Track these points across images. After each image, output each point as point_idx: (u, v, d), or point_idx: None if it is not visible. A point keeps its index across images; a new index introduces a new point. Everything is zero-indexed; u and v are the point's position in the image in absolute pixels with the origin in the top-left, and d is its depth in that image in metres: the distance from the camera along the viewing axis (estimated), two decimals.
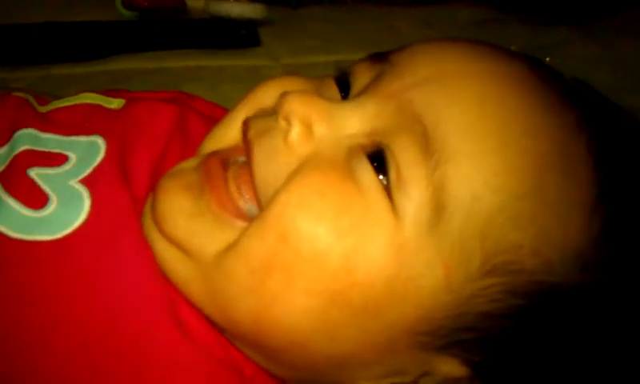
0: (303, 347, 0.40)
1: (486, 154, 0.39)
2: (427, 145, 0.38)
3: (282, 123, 0.41)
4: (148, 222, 0.43)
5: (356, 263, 0.38)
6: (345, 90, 0.44)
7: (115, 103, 0.52)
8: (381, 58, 0.44)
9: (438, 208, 0.38)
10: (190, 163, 0.44)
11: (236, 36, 0.94)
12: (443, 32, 0.93)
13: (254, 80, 0.49)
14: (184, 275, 0.42)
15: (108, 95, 0.52)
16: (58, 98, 0.52)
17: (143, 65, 0.87)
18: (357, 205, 0.39)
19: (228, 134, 0.45)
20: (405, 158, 0.39)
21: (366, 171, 0.39)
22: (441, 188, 0.38)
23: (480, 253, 0.38)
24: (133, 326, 0.41)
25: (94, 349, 0.41)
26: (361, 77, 0.44)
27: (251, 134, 0.42)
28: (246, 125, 0.43)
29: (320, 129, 0.41)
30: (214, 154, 0.44)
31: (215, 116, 0.52)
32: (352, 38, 0.95)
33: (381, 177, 0.39)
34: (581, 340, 0.41)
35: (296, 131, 0.40)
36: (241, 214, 0.42)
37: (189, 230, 0.41)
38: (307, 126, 0.41)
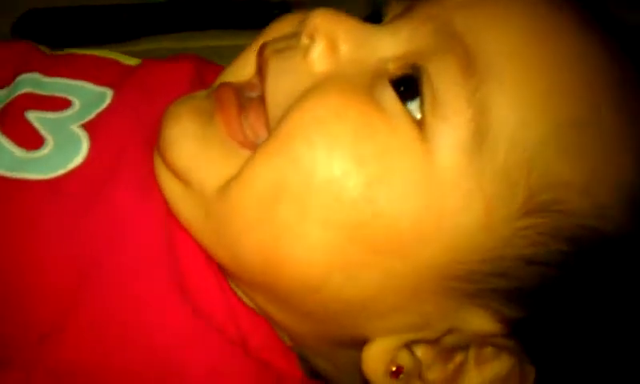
0: (317, 290, 0.36)
1: (535, 75, 0.35)
2: (468, 65, 0.35)
3: (305, 41, 0.38)
4: (156, 155, 0.40)
5: (379, 192, 0.35)
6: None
7: (133, 61, 0.49)
8: None
9: (480, 132, 0.34)
10: (203, 92, 0.41)
11: (269, 16, 0.92)
12: None
13: None
14: (188, 213, 0.39)
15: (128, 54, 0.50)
16: None
17: (171, 45, 0.86)
18: (380, 130, 0.35)
19: (243, 68, 0.42)
20: (442, 78, 0.35)
21: (390, 96, 0.36)
22: (483, 110, 0.34)
23: (524, 187, 0.34)
24: (125, 279, 0.38)
25: (76, 298, 0.38)
26: (395, 8, 0.40)
27: (267, 51, 0.38)
28: (263, 46, 0.39)
29: (346, 48, 0.37)
30: (228, 84, 0.41)
31: None
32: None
33: (412, 103, 0.35)
34: (634, 300, 0.36)
35: (319, 48, 0.37)
36: (250, 144, 0.38)
37: (193, 157, 0.38)
38: (332, 44, 0.37)
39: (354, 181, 0.35)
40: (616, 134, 0.36)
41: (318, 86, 0.36)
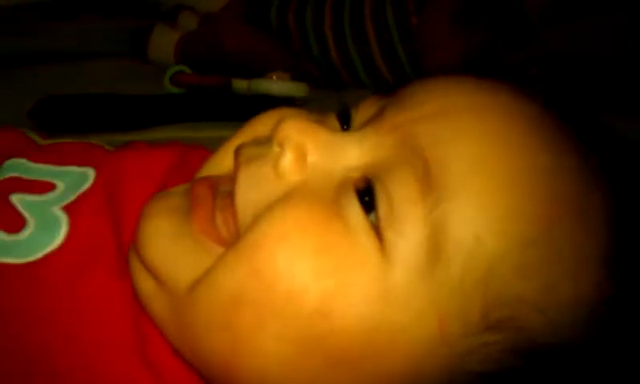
0: None
1: (492, 194, 0.35)
2: (427, 181, 0.35)
3: (275, 149, 0.39)
4: (132, 250, 0.41)
5: (334, 308, 0.35)
6: (347, 123, 0.42)
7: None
8: (386, 94, 0.41)
9: (435, 251, 0.35)
10: (180, 188, 0.43)
11: None
12: None
13: None
14: (158, 308, 0.40)
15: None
16: None
17: (178, 134, 0.89)
18: (341, 245, 0.36)
19: (221, 162, 0.43)
20: (400, 193, 0.35)
21: (353, 208, 0.36)
22: (439, 229, 0.35)
23: (480, 304, 0.35)
24: (98, 361, 0.39)
25: (56, 378, 0.39)
26: (364, 111, 0.42)
27: (240, 159, 0.40)
28: (237, 151, 0.41)
29: (314, 158, 0.38)
30: (204, 178, 0.42)
31: None
32: None
33: (372, 215, 0.36)
34: None
35: (288, 158, 0.38)
36: (222, 242, 0.39)
37: (166, 254, 0.39)
38: (301, 154, 0.38)
39: (311, 296, 0.35)
40: (575, 248, 0.35)
41: (284, 199, 0.37)
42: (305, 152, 0.38)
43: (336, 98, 1.04)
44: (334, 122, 0.42)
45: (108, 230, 0.43)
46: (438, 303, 0.35)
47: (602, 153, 0.38)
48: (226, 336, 0.37)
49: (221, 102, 0.97)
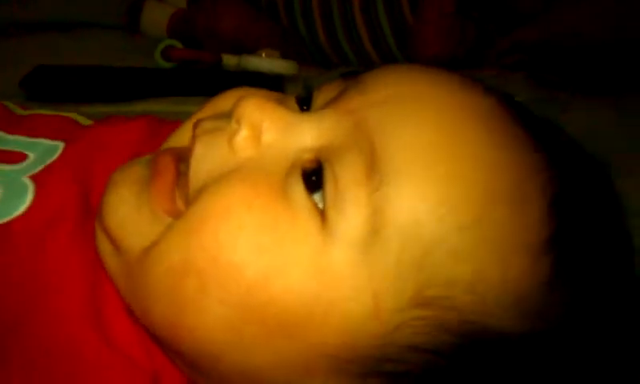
0: (217, 358, 0.39)
1: (431, 181, 0.37)
2: (372, 165, 0.37)
3: (233, 125, 0.40)
4: (97, 217, 0.43)
5: (273, 282, 0.37)
6: (308, 105, 0.43)
7: (90, 122, 0.53)
8: (350, 77, 0.43)
9: (375, 231, 0.36)
10: (146, 158, 0.44)
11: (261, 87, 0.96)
12: None
13: None
14: (114, 271, 0.42)
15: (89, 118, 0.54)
16: None
17: (165, 108, 0.90)
18: (282, 222, 0.38)
19: (187, 133, 0.44)
20: (346, 175, 0.37)
21: (298, 187, 0.38)
22: (380, 211, 0.36)
23: (413, 283, 0.36)
24: (54, 323, 0.41)
25: (13, 333, 0.41)
26: (326, 93, 0.43)
27: (198, 130, 0.41)
28: (196, 124, 0.42)
29: (269, 136, 0.40)
30: (169, 149, 0.44)
31: None
32: None
33: (318, 195, 0.38)
34: None
35: (242, 134, 0.40)
36: (177, 214, 0.40)
37: (124, 222, 0.41)
38: (256, 131, 0.40)
39: (251, 269, 0.37)
40: (505, 236, 0.37)
41: (232, 174, 0.39)
42: (260, 130, 0.40)
43: (326, 76, 1.05)
44: (293, 103, 0.43)
45: (73, 196, 0.45)
46: (373, 280, 0.37)
47: (545, 148, 0.40)
48: (172, 300, 0.38)
49: (210, 78, 0.98)
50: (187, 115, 0.92)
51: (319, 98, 0.43)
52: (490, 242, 0.37)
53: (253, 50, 1.03)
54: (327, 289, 0.37)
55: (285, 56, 1.03)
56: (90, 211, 0.44)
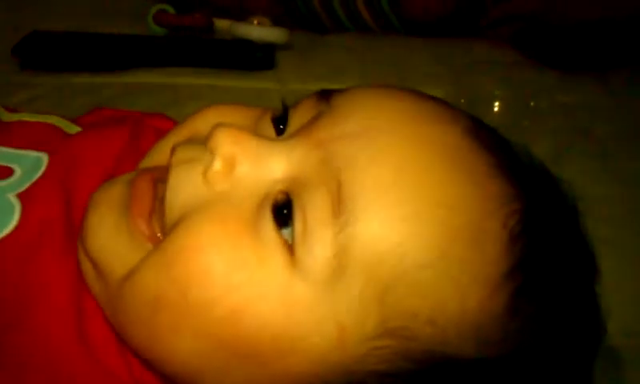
0: (194, 380, 0.41)
1: (395, 221, 0.39)
2: (339, 203, 0.38)
3: (207, 156, 0.41)
4: (79, 238, 0.44)
5: (242, 316, 0.39)
6: (284, 124, 0.44)
7: (74, 130, 0.54)
8: (325, 97, 0.44)
9: (340, 269, 0.38)
10: (126, 177, 0.45)
11: (251, 58, 0.97)
12: (452, 69, 0.94)
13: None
14: (96, 292, 0.44)
15: (75, 121, 0.55)
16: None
17: (156, 79, 0.91)
18: (251, 259, 0.39)
19: (165, 151, 0.45)
20: (314, 214, 0.39)
21: (267, 224, 0.39)
22: (344, 249, 0.38)
23: (376, 316, 0.38)
24: (41, 339, 0.43)
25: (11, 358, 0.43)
26: (302, 114, 0.44)
27: (173, 159, 0.42)
28: (173, 150, 0.43)
29: (241, 169, 0.41)
30: (147, 171, 0.45)
31: None
32: (363, 68, 0.97)
33: (287, 230, 0.39)
34: None
35: (216, 168, 0.41)
36: (155, 240, 0.42)
37: (104, 247, 0.42)
38: (230, 163, 0.41)
39: (222, 306, 0.39)
40: (464, 271, 0.39)
41: (203, 210, 0.40)
42: (234, 162, 0.41)
43: (319, 43, 1.06)
44: (269, 125, 0.44)
45: (58, 216, 0.46)
46: (337, 314, 0.39)
47: (511, 178, 0.41)
48: (148, 331, 0.41)
49: (201, 48, 0.99)
50: (179, 88, 0.93)
51: (294, 117, 0.44)
52: (449, 277, 0.39)
53: (244, 15, 1.03)
54: (294, 323, 0.39)
55: (277, 21, 1.03)
56: (74, 226, 0.46)
